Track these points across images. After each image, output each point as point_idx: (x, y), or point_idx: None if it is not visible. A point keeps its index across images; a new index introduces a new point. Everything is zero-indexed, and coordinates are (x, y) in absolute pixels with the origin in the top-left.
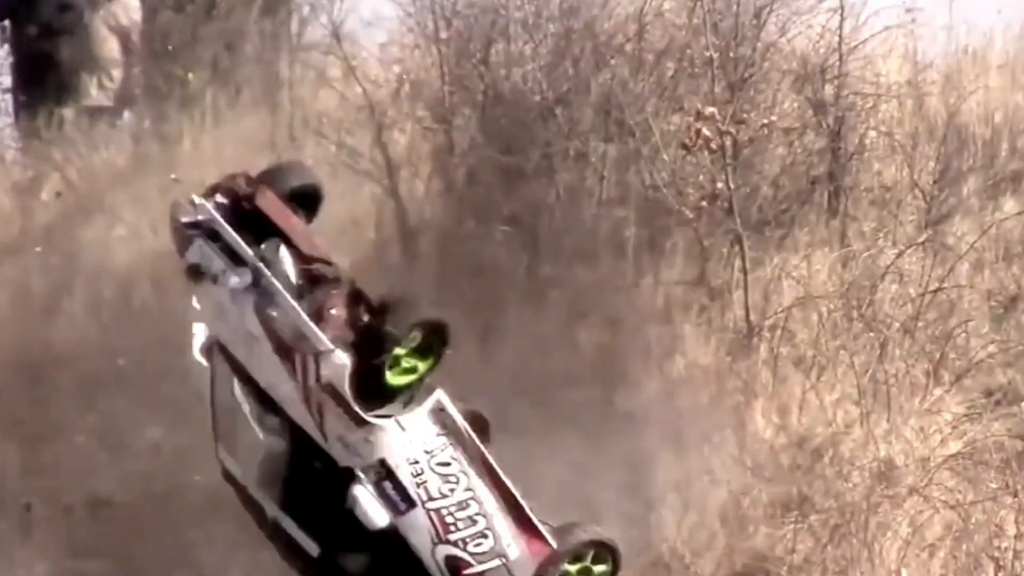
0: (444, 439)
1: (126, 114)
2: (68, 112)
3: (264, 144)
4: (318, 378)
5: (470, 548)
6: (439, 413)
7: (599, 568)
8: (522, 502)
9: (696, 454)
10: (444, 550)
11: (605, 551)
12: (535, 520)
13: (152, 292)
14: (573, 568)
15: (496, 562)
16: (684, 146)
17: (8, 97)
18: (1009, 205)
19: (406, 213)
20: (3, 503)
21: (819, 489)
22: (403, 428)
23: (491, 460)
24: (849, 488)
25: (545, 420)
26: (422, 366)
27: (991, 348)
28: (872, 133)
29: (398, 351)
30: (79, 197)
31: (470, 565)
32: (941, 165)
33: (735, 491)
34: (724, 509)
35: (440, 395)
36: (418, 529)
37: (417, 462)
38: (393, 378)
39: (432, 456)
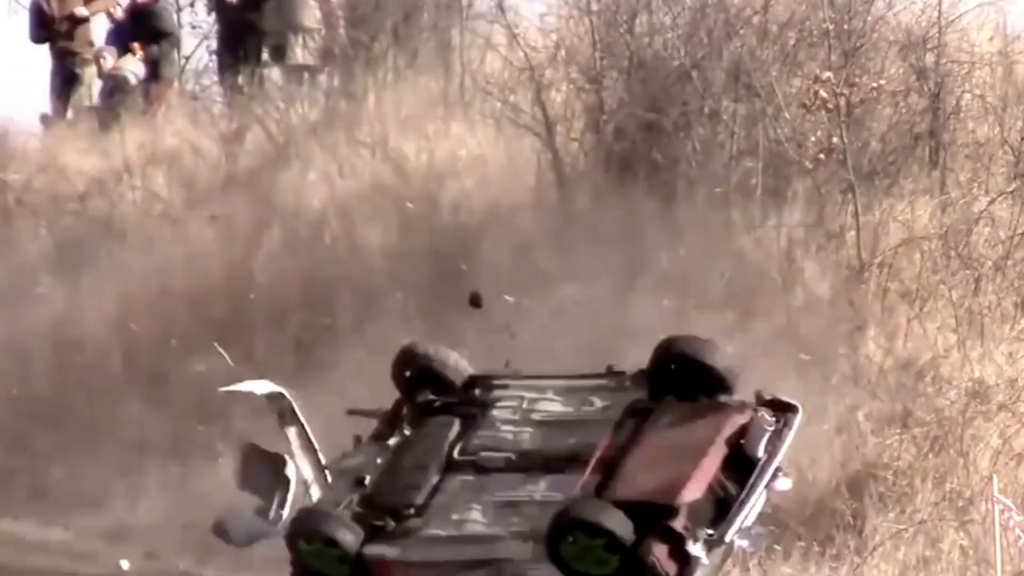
0: None
1: (322, 74)
2: (270, 71)
3: (438, 100)
4: None
5: None
6: None
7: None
8: None
9: (815, 373)
10: None
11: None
12: None
13: (341, 229)
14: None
15: None
16: (804, 106)
17: (214, 58)
18: None
19: (561, 162)
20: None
21: (921, 405)
22: None
23: None
24: (947, 404)
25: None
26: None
27: None
28: (967, 96)
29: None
30: (277, 146)
31: None
32: None
33: (848, 406)
34: (839, 422)
35: None
36: None
37: None
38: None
39: None
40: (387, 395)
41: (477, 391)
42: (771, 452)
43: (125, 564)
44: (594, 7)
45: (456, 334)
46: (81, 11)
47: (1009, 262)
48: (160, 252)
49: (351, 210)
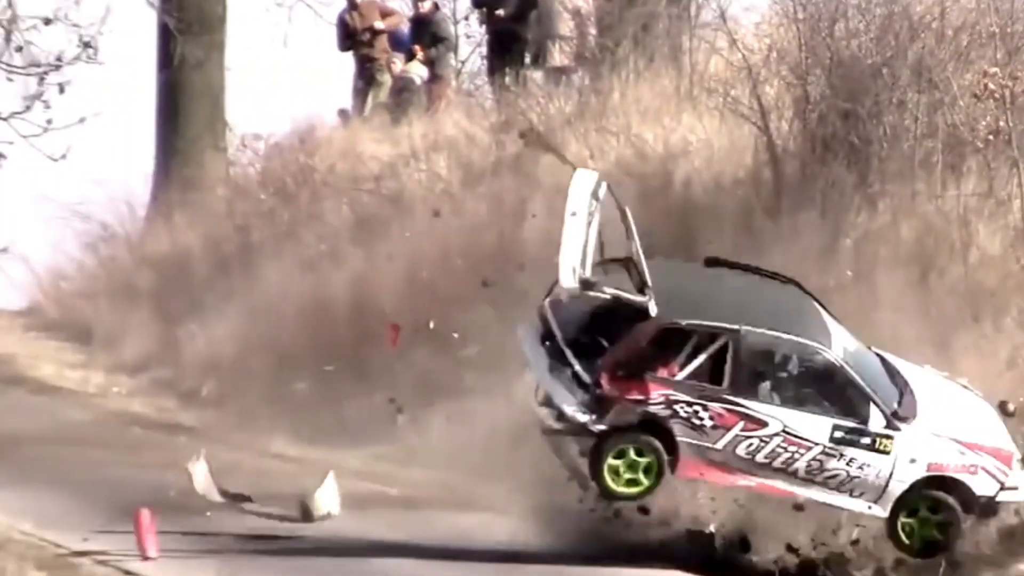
0: None
1: (575, 73)
2: (533, 72)
3: (671, 95)
4: None
5: None
6: None
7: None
8: None
9: (989, 320)
10: None
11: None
12: None
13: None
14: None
15: None
16: (975, 96)
17: (485, 62)
18: None
19: (774, 145)
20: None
21: None
22: None
23: None
24: None
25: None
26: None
27: None
28: None
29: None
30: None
31: None
32: None
33: (1016, 345)
34: (1009, 358)
35: None
36: None
37: None
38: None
39: None
40: None
41: None
42: None
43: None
44: (800, 16)
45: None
46: (379, 25)
47: None
48: (442, 223)
49: None
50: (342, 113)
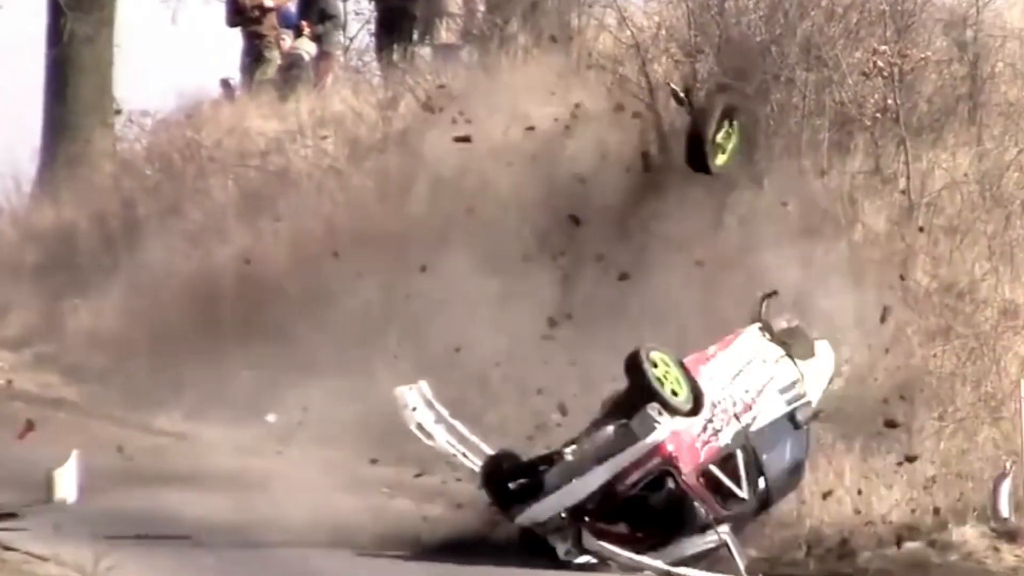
0: None
1: (463, 50)
2: (421, 49)
3: (560, 72)
4: None
5: None
6: None
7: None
8: None
9: (872, 295)
10: None
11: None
12: None
13: (477, 181)
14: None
15: None
16: (864, 73)
17: (374, 39)
18: None
19: (662, 121)
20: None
21: (960, 322)
22: None
23: None
24: (982, 321)
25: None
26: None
27: None
28: (1000, 64)
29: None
30: (425, 111)
31: None
32: None
33: (900, 322)
34: (893, 335)
35: None
36: None
37: None
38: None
39: None
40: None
41: None
42: None
43: (271, 417)
44: None
45: (564, 267)
46: (268, 2)
47: None
48: (328, 199)
49: (486, 162)
50: (224, 84)
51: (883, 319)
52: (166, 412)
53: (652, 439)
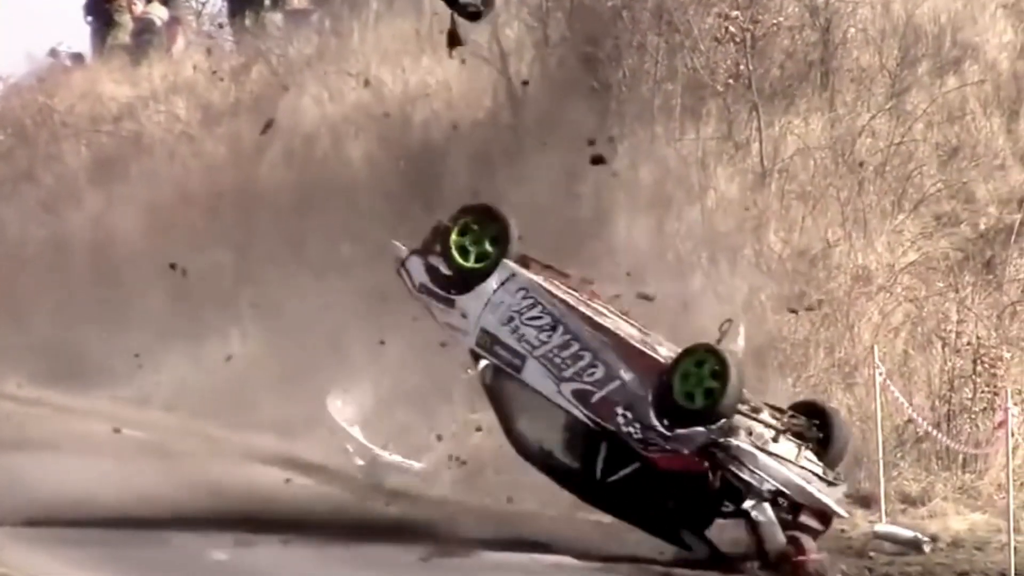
0: (525, 298)
1: (315, 16)
2: (272, 15)
3: (411, 37)
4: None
5: (586, 378)
6: (513, 279)
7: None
8: (621, 332)
9: (725, 262)
10: (568, 387)
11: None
12: (638, 344)
13: (330, 144)
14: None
15: (615, 383)
16: (716, 39)
17: (226, 5)
18: (951, 82)
19: (513, 87)
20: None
21: (814, 288)
22: (485, 298)
23: (581, 306)
24: (836, 287)
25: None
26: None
27: (939, 185)
28: (852, 30)
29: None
30: (277, 77)
31: (593, 392)
32: (902, 53)
33: (753, 288)
34: (745, 302)
35: (508, 264)
36: (539, 377)
37: (511, 319)
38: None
39: (521, 314)
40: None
41: None
42: None
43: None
44: None
45: (421, 227)
46: None
47: (887, 168)
48: (180, 164)
49: (339, 128)
50: (53, 53)
51: (720, 336)
52: (17, 378)
53: None
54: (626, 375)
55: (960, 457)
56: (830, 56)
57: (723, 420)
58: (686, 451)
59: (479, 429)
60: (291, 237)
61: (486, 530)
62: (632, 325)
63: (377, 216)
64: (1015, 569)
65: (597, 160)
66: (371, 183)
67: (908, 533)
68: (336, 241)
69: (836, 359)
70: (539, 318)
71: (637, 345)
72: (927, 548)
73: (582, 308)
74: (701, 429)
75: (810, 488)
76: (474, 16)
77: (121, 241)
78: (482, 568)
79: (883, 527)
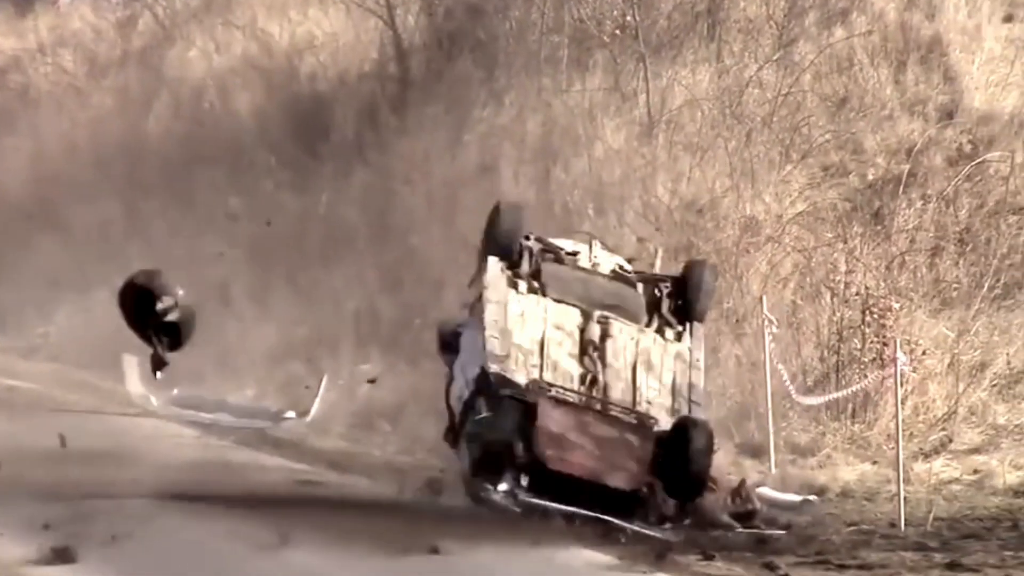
0: None
1: None
2: None
3: None
4: None
5: None
6: None
7: None
8: None
9: (613, 213)
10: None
11: None
12: None
13: (218, 96)
14: None
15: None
16: None
17: None
18: (839, 33)
19: (400, 40)
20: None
21: (702, 238)
22: None
23: None
24: (724, 237)
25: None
26: None
27: (827, 136)
28: None
29: None
30: (164, 29)
31: None
32: (789, 4)
33: (643, 238)
34: (633, 253)
35: None
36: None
37: None
38: None
39: None
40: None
41: None
42: None
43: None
44: None
45: (309, 179)
46: None
47: (775, 119)
48: (68, 117)
49: (226, 80)
50: None
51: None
52: None
53: None
54: None
55: (849, 407)
56: (717, 7)
57: None
58: None
59: (372, 381)
60: (178, 190)
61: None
62: None
63: (264, 168)
64: (904, 519)
65: None
66: (258, 135)
67: (791, 498)
68: (223, 194)
69: (725, 310)
70: None
71: None
72: (811, 507)
73: None
74: None
75: None
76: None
77: (8, 193)
78: None
79: (766, 491)
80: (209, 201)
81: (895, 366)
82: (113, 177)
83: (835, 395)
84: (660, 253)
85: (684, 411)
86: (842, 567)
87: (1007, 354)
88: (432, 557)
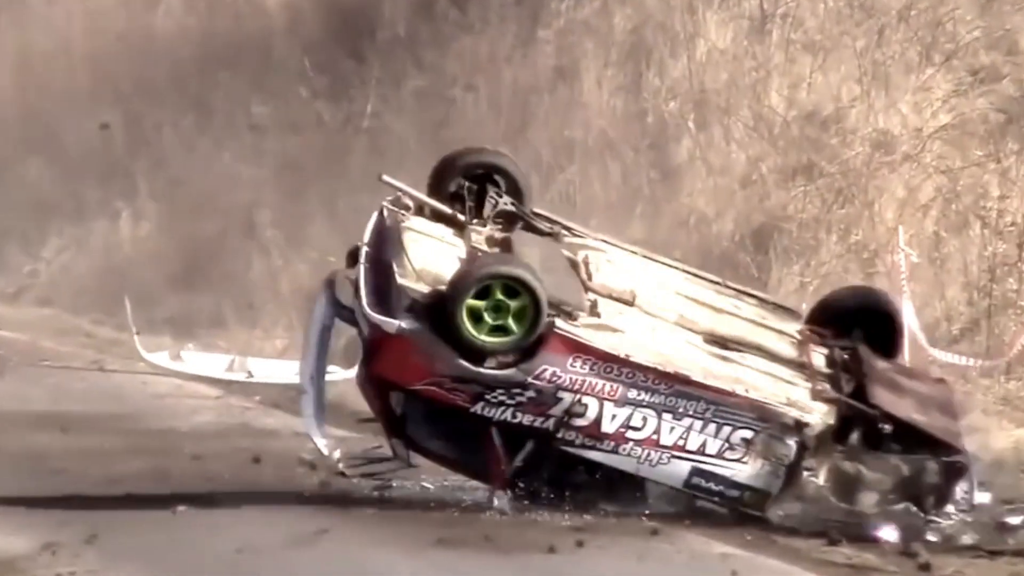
0: None
1: None
2: None
3: None
4: None
5: None
6: None
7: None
8: None
9: (718, 126)
10: None
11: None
12: None
13: None
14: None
15: None
16: None
17: None
18: None
19: None
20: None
21: (826, 156)
22: None
23: None
24: (852, 156)
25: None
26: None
27: (976, 33)
28: None
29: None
30: None
31: None
32: None
33: (752, 158)
34: (743, 174)
35: None
36: None
37: None
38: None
39: None
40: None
41: None
42: None
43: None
44: None
45: (350, 85)
46: None
47: (913, 12)
48: (62, 9)
49: None
50: None
51: None
52: None
53: None
54: None
55: (1004, 361)
56: None
57: None
58: None
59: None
60: (192, 98)
61: None
62: None
63: (296, 72)
64: None
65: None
66: (289, 32)
67: None
68: (246, 102)
69: (852, 243)
70: None
71: None
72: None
73: None
74: None
75: None
76: None
77: None
78: None
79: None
80: (229, 111)
81: None
82: (114, 83)
83: (985, 363)
84: None
85: None
86: (995, 554)
87: None
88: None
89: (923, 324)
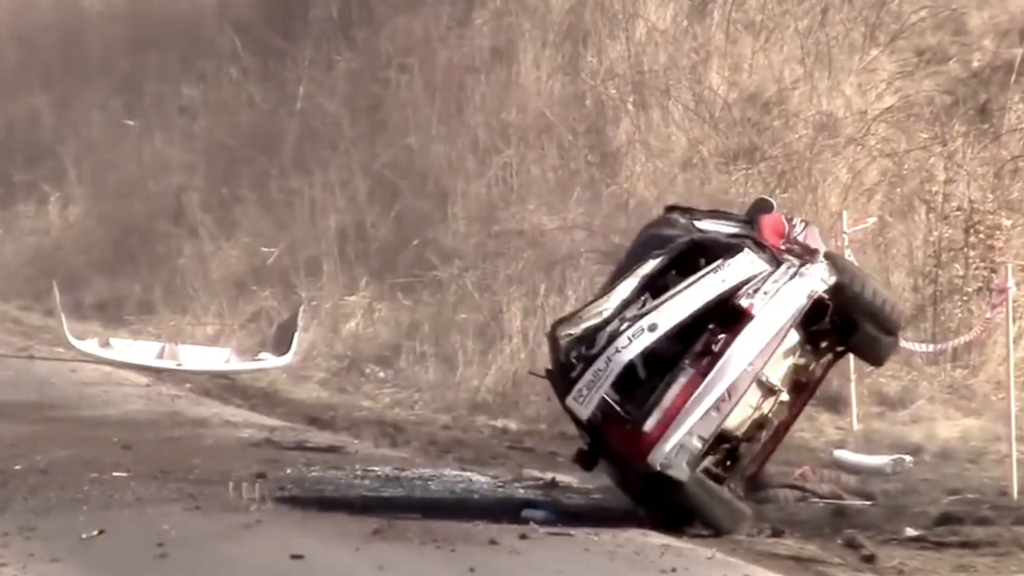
0: None
1: None
2: None
3: None
4: None
5: None
6: None
7: None
8: None
9: (658, 108)
10: None
11: None
12: None
13: None
14: None
15: None
16: None
17: None
18: None
19: None
20: None
21: (768, 139)
22: None
23: None
24: (795, 138)
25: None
26: None
27: (922, 13)
28: None
29: None
30: None
31: None
32: None
33: (693, 141)
34: (683, 157)
35: None
36: None
37: None
38: None
39: None
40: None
41: None
42: None
43: None
44: None
45: (282, 66)
46: None
47: None
48: None
49: None
50: None
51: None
52: None
53: None
54: None
55: (950, 349)
56: None
57: None
58: None
59: None
60: (121, 79)
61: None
62: None
63: (227, 53)
64: (1017, 485)
65: None
66: (220, 12)
67: (876, 460)
68: (176, 84)
69: None
70: None
71: None
72: (902, 471)
73: None
74: None
75: None
76: None
77: None
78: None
79: (844, 453)
80: (159, 92)
81: (1005, 297)
82: (42, 64)
83: (935, 347)
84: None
85: None
86: (940, 545)
87: None
88: None
89: None
